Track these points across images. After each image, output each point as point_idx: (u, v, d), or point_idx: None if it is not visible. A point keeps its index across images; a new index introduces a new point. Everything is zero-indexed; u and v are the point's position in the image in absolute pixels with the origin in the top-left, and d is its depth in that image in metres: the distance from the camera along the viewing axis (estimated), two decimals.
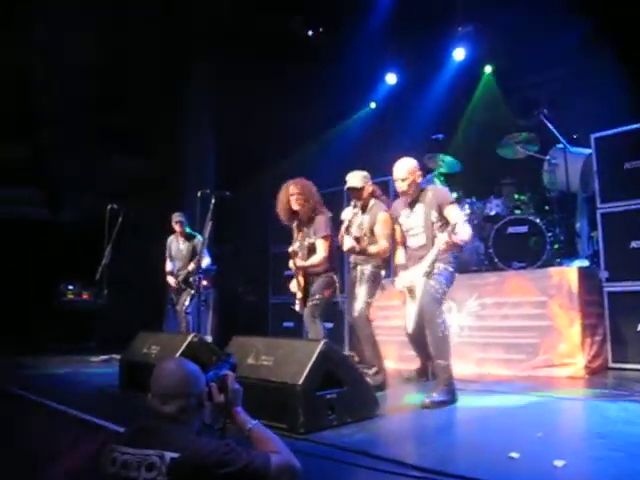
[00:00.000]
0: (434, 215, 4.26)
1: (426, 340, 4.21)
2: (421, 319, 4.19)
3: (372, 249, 4.62)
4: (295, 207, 4.86)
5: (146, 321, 7.85)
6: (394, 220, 4.61)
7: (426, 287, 4.15)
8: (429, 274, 4.16)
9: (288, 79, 9.12)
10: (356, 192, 4.76)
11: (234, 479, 1.92)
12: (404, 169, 4.38)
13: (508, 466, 2.50)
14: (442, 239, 4.03)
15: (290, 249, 4.92)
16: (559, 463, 2.48)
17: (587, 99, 7.46)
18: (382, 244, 4.65)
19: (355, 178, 4.76)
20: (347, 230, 4.62)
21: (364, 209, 4.80)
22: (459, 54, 9.02)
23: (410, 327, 4.36)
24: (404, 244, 4.59)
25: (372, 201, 4.81)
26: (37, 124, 9.15)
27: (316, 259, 4.78)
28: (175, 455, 1.86)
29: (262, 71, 8.98)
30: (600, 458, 2.60)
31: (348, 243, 4.54)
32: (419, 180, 4.42)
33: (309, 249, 4.87)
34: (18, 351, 7.44)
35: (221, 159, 9.67)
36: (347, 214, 4.72)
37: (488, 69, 9.02)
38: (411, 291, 4.30)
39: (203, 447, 1.92)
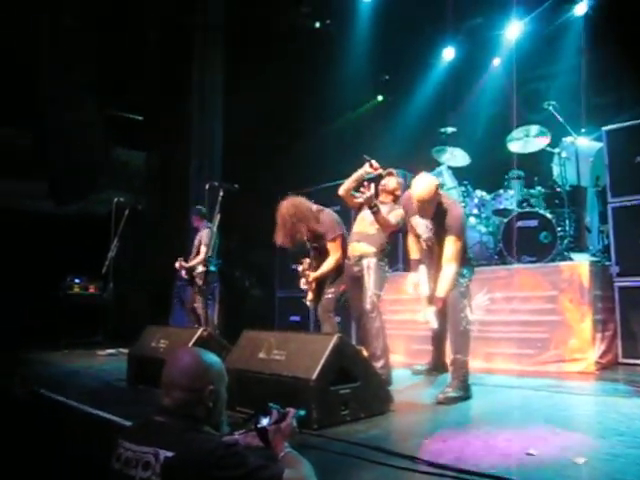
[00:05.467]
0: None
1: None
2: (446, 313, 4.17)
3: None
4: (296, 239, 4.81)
5: (152, 315, 7.84)
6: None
7: None
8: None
9: (296, 71, 9.08)
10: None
11: None
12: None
13: (528, 463, 2.46)
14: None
15: (300, 268, 4.89)
16: (580, 460, 2.44)
17: (597, 92, 7.42)
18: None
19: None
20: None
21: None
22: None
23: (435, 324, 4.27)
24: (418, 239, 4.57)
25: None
26: (42, 116, 9.10)
27: (330, 264, 4.75)
28: (169, 454, 1.74)
29: (270, 63, 8.94)
30: (621, 455, 2.55)
31: None
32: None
33: (319, 251, 4.85)
34: (23, 346, 7.42)
35: (228, 151, 9.62)
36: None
37: (496, 62, 8.99)
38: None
39: (201, 446, 1.78)
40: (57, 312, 8.38)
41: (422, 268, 4.59)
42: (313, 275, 4.83)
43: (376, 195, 4.68)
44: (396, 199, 4.76)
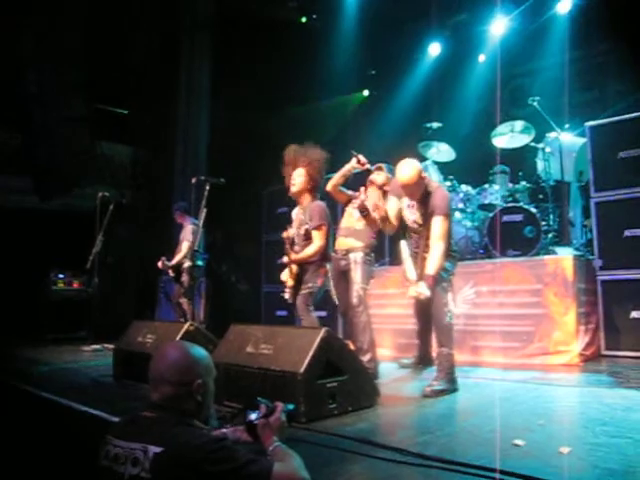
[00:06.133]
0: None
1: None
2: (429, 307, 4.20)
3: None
4: (296, 187, 4.80)
5: (138, 310, 7.80)
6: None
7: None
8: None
9: (282, 64, 9.05)
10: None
11: None
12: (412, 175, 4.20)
13: (514, 454, 2.48)
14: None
15: (284, 234, 4.81)
16: (565, 450, 2.48)
17: (581, 88, 7.47)
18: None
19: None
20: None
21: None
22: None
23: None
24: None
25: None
26: (26, 111, 9.01)
27: (311, 250, 4.67)
28: (158, 450, 1.73)
29: (255, 56, 8.91)
30: (604, 445, 2.59)
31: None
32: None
33: (305, 236, 4.81)
34: (7, 342, 7.35)
35: (214, 146, 9.58)
36: None
37: (481, 58, 9.04)
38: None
39: (190, 441, 1.77)
40: (41, 307, 8.33)
41: (403, 244, 4.59)
42: (294, 256, 4.72)
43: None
44: (384, 194, 4.76)
